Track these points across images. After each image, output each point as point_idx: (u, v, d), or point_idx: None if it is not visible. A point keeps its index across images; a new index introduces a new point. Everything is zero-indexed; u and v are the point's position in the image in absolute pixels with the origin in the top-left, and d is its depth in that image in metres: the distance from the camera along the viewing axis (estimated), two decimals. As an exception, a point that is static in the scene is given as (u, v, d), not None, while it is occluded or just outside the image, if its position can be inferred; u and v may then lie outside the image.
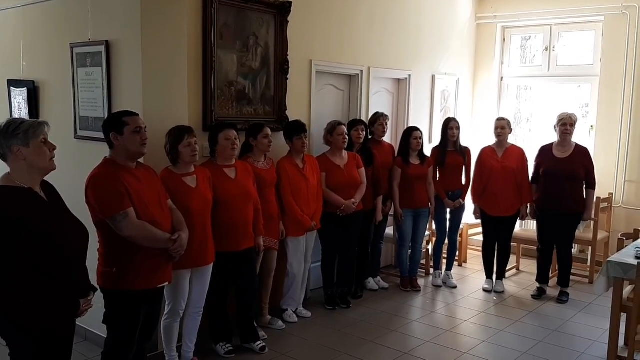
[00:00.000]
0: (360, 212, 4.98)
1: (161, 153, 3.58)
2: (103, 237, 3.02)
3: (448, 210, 5.63)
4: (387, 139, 5.70)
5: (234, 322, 4.17)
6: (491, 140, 5.61)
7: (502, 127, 5.44)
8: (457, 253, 6.15)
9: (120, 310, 3.07)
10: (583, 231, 5.58)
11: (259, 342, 4.14)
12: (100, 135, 3.21)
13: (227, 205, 3.81)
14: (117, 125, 3.02)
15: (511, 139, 5.65)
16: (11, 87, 4.67)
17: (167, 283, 3.29)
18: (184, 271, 3.57)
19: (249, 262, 4.07)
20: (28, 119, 3.21)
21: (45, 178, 2.55)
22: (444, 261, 5.92)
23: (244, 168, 4.03)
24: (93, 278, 2.77)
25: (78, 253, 2.53)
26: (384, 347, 4.30)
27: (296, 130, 4.51)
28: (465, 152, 5.64)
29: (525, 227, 6.42)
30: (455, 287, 5.67)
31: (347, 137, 4.84)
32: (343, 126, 4.84)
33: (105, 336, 3.16)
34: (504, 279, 5.73)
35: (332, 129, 4.81)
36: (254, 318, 4.27)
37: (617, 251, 4.23)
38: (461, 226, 5.97)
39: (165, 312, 3.65)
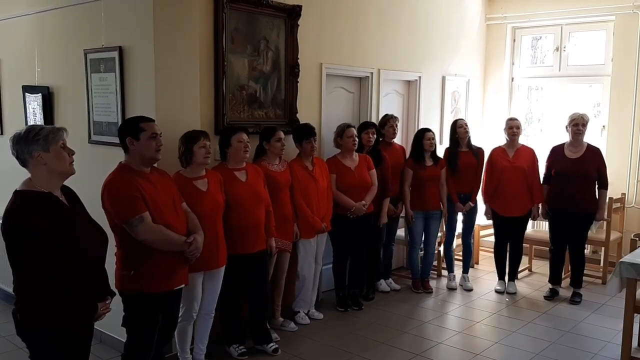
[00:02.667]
0: (371, 213, 4.99)
1: (173, 158, 3.61)
2: (120, 241, 3.07)
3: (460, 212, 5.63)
4: (397, 140, 5.72)
5: (247, 324, 4.20)
6: (502, 141, 5.60)
7: (517, 127, 5.42)
8: (470, 254, 6.15)
9: (139, 313, 3.11)
10: (595, 232, 5.55)
11: (271, 344, 4.17)
12: (114, 140, 3.26)
13: (238, 208, 3.84)
14: (133, 130, 3.07)
15: (522, 139, 5.64)
16: (26, 93, 4.73)
17: (184, 285, 3.33)
18: (196, 274, 3.60)
19: (260, 264, 4.10)
20: (45, 125, 3.26)
21: (61, 182, 2.59)
22: (459, 263, 5.92)
23: (255, 171, 4.06)
24: (112, 282, 2.81)
25: (96, 257, 2.57)
26: (396, 349, 4.31)
27: (305, 134, 4.53)
28: (479, 152, 5.62)
29: (537, 228, 6.40)
30: (471, 289, 5.65)
31: (357, 140, 4.86)
32: (352, 128, 4.86)
33: (121, 339, 3.21)
34: (516, 280, 5.72)
35: (341, 131, 4.83)
36: (267, 320, 4.30)
37: (630, 252, 4.21)
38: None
39: (180, 315, 3.69)
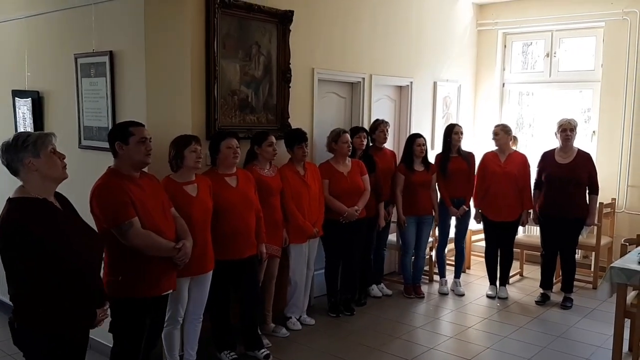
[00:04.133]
0: (364, 219, 4.98)
1: (164, 163, 3.60)
2: (108, 246, 3.03)
3: (453, 216, 5.64)
4: (389, 145, 5.73)
5: (238, 330, 4.18)
6: (494, 146, 5.62)
7: (496, 133, 5.48)
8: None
9: (126, 318, 3.09)
10: (586, 237, 5.57)
11: (263, 350, 4.15)
12: (105, 145, 3.24)
13: (228, 214, 3.83)
14: (122, 134, 3.06)
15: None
16: (16, 98, 4.70)
17: (172, 291, 3.31)
18: (183, 279, 3.57)
19: (251, 269, 4.08)
20: (32, 131, 3.25)
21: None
22: (451, 268, 5.93)
23: (245, 176, 4.05)
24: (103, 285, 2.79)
25: (93, 262, 2.57)
26: (388, 354, 4.30)
27: (297, 139, 4.53)
28: (469, 157, 5.65)
29: (529, 233, 6.43)
30: (463, 294, 5.66)
31: (351, 145, 4.86)
32: (347, 134, 4.86)
33: (110, 345, 3.18)
34: (507, 285, 5.73)
35: (336, 136, 4.83)
36: (258, 326, 4.28)
37: (621, 257, 4.22)
38: (464, 232, 5.96)
39: (165, 320, 3.66)
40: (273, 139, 4.29)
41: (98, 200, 2.96)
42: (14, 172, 2.45)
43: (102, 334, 3.21)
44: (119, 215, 2.93)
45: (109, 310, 2.70)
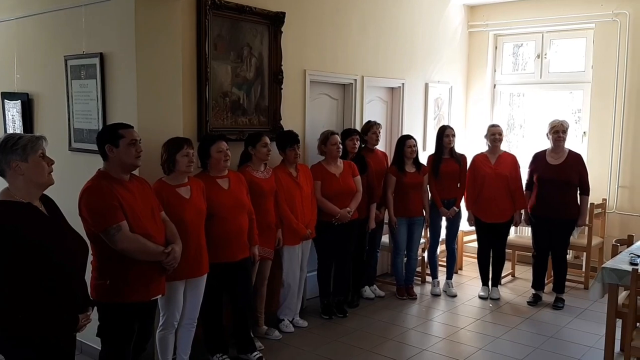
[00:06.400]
0: (356, 220, 4.98)
1: (155, 165, 3.58)
2: (96, 250, 3.02)
3: (444, 217, 5.65)
4: (381, 147, 5.74)
5: (230, 332, 4.16)
6: (485, 147, 5.63)
7: (499, 133, 5.47)
8: (453, 260, 6.16)
9: (114, 323, 3.06)
10: (577, 237, 5.59)
11: (255, 353, 4.13)
12: (95, 147, 3.21)
13: (221, 216, 3.81)
14: (112, 137, 3.03)
15: (504, 146, 5.68)
16: (5, 100, 4.66)
17: (160, 296, 3.28)
18: (178, 282, 3.56)
19: (244, 272, 4.07)
20: (24, 133, 3.22)
21: (40, 191, 2.54)
22: (443, 269, 5.93)
23: (237, 178, 4.03)
24: (87, 290, 2.76)
25: (78, 267, 2.54)
26: (380, 356, 4.30)
27: (289, 141, 4.52)
28: (461, 159, 5.66)
29: (520, 234, 6.45)
30: (455, 295, 5.66)
31: (341, 146, 4.86)
32: (336, 135, 4.85)
33: (99, 348, 3.16)
34: (499, 286, 5.74)
35: (325, 138, 4.82)
36: (250, 328, 4.27)
37: (612, 257, 4.24)
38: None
39: (160, 324, 3.64)
40: (267, 139, 4.28)
41: (86, 203, 2.93)
42: (1, 173, 2.43)
43: (91, 337, 3.19)
44: (107, 219, 2.90)
45: (92, 315, 2.67)
